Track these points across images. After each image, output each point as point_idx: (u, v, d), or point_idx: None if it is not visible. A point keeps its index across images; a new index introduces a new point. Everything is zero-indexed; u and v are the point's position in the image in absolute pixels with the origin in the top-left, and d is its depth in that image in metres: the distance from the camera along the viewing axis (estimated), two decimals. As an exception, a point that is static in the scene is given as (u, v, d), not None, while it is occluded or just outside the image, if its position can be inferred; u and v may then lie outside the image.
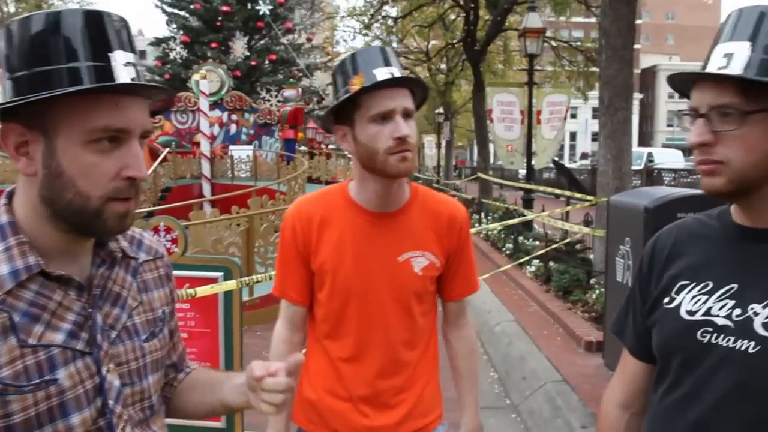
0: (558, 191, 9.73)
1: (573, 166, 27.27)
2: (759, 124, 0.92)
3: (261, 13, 23.52)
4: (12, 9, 32.32)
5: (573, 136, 58.71)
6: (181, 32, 25.15)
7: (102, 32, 0.84)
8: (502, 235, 9.50)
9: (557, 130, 10.15)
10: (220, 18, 24.17)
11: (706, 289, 1.03)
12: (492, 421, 4.03)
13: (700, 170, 1.00)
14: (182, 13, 25.89)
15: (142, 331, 0.99)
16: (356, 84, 1.39)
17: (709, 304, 1.02)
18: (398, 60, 1.49)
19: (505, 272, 7.60)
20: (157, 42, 26.01)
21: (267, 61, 25.47)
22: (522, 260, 7.60)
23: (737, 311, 0.98)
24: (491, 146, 14.85)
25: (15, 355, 0.82)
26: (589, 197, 7.37)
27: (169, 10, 26.09)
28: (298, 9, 28.26)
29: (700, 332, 1.01)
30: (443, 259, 1.57)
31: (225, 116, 19.53)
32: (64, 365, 0.86)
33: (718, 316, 1.00)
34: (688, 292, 1.05)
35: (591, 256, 6.80)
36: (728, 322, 0.98)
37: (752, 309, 0.96)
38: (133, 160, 0.87)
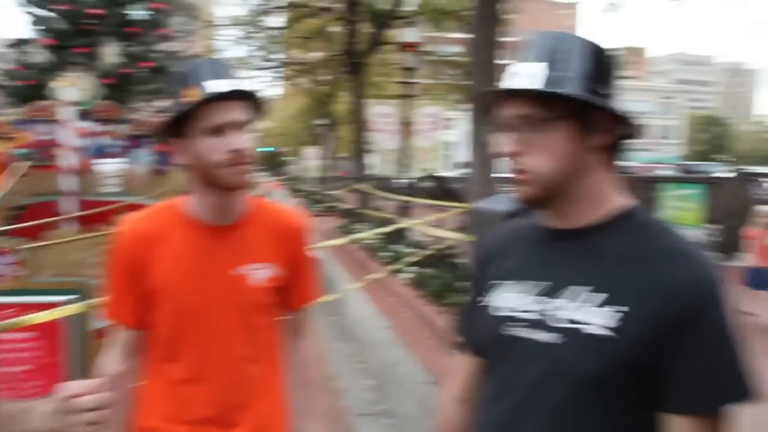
0: (430, 201, 10.08)
1: (450, 174, 28.26)
2: (555, 131, 1.04)
3: (134, 18, 22.26)
4: None
5: (451, 145, 60.99)
6: (47, 35, 23.25)
7: None
8: (380, 244, 9.74)
9: (431, 139, 10.55)
10: (89, 21, 22.61)
11: (519, 287, 1.13)
12: (367, 428, 4.11)
13: (515, 181, 1.10)
14: (47, 13, 23.93)
15: None
16: (189, 97, 1.38)
17: (518, 300, 1.11)
18: (234, 72, 1.47)
19: (381, 280, 7.77)
20: (17, 43, 23.90)
21: (142, 69, 24.16)
22: (397, 267, 7.81)
23: (543, 306, 1.07)
24: (373, 156, 15.11)
25: None
26: (461, 204, 7.75)
27: (32, 10, 24.00)
28: (175, 15, 27.11)
29: (507, 326, 1.10)
30: (284, 270, 1.57)
31: (94, 127, 18.30)
32: None
33: (526, 311, 1.09)
34: (501, 291, 1.15)
35: (465, 261, 7.14)
36: (535, 316, 1.07)
37: (556, 303, 1.06)
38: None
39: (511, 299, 1.13)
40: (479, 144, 6.41)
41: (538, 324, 1.07)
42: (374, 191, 14.47)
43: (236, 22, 18.75)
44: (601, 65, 1.07)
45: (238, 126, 1.40)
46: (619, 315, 1.00)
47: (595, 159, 1.08)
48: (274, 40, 20.06)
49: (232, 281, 1.50)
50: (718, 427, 0.99)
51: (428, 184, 22.11)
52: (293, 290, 1.64)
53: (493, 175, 6.49)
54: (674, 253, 1.02)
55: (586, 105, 1.03)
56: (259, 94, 1.52)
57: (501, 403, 1.11)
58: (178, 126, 1.42)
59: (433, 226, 8.27)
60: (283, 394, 1.64)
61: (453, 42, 21.96)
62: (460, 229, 7.01)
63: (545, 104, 1.03)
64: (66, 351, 2.36)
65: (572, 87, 1.03)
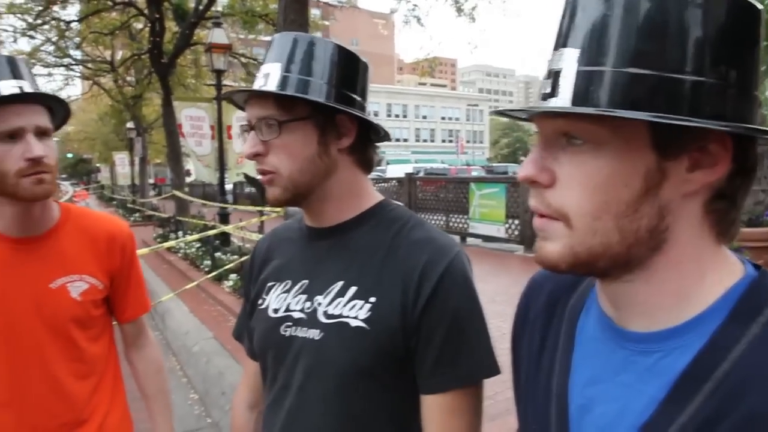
0: (250, 207, 9.88)
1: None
2: (294, 132, 1.05)
3: None
4: None
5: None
6: None
7: None
8: (200, 253, 9.34)
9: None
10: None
11: (287, 287, 1.14)
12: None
13: (262, 181, 1.11)
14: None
15: None
16: None
17: (288, 300, 1.13)
18: (31, 73, 1.35)
19: (203, 290, 7.46)
20: None
21: None
22: (218, 273, 7.56)
23: (307, 304, 1.10)
24: (189, 161, 14.41)
25: None
26: (277, 209, 7.70)
27: None
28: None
29: (282, 327, 1.11)
30: (106, 281, 1.50)
31: None
32: None
33: (294, 310, 1.11)
34: (274, 292, 1.16)
35: None
36: (302, 315, 1.10)
37: (317, 300, 1.09)
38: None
39: (281, 299, 1.14)
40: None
41: (303, 321, 1.09)
42: (191, 198, 13.84)
43: (15, 11, 16.60)
44: (346, 69, 1.09)
45: (35, 131, 1.30)
46: (368, 306, 1.04)
47: (342, 160, 1.10)
48: (66, 35, 18.18)
49: (45, 296, 1.40)
50: (464, 403, 1.04)
51: (252, 190, 21.79)
52: (123, 302, 1.59)
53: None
54: (416, 243, 1.07)
55: (327, 107, 1.05)
56: (56, 95, 1.42)
57: (279, 405, 1.12)
58: None
59: (253, 232, 8.13)
60: (123, 409, 1.58)
61: (264, 45, 21.84)
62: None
63: (285, 106, 1.04)
64: None
65: (314, 90, 1.05)
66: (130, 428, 1.59)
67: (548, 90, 0.61)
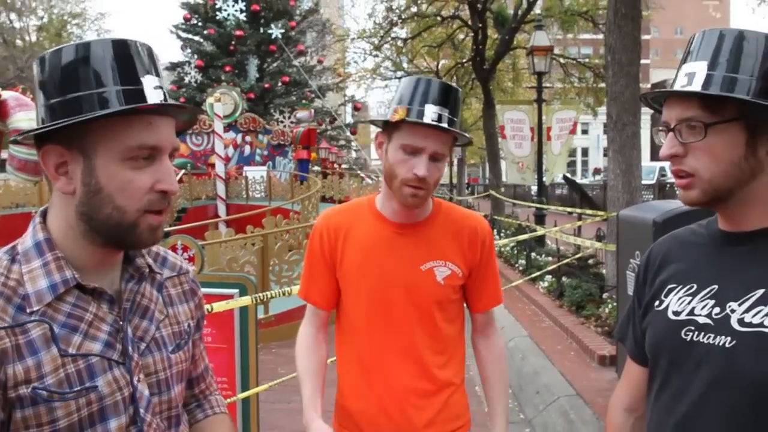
0: (569, 208, 9.70)
1: (585, 181, 27.16)
2: (720, 134, 1.00)
3: (273, 36, 23.94)
4: (34, 38, 33.11)
5: (585, 151, 58.59)
6: (196, 57, 25.60)
7: (131, 59, 0.90)
8: (515, 252, 9.52)
9: (564, 145, 10.18)
10: (233, 42, 24.59)
11: (691, 291, 1.08)
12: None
13: (677, 184, 1.07)
14: (196, 38, 26.36)
15: (169, 342, 1.02)
16: (399, 114, 1.46)
17: (692, 304, 1.07)
18: (456, 107, 1.52)
19: (518, 288, 7.59)
20: (172, 66, 26.51)
21: (280, 83, 25.81)
22: (534, 275, 7.61)
23: (716, 310, 1.03)
24: (503, 163, 14.90)
25: (57, 363, 0.87)
26: (599, 212, 7.39)
27: (184, 35, 26.57)
28: (309, 32, 28.67)
29: (684, 331, 1.06)
30: (466, 270, 1.61)
31: (239, 138, 19.76)
32: (102, 374, 0.90)
33: (700, 315, 1.05)
34: (675, 294, 1.11)
35: (603, 271, 6.79)
36: (708, 321, 1.03)
37: (729, 307, 1.02)
38: (165, 175, 0.92)
39: (683, 303, 1.09)
40: (619, 149, 6.06)
41: (710, 328, 1.03)
42: (506, 198, 14.22)
43: (365, 36, 19.39)
44: None
45: (431, 155, 1.48)
46: None
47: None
48: (401, 51, 20.49)
49: (416, 276, 1.56)
50: None
51: (563, 191, 21.45)
52: (479, 293, 1.69)
53: (636, 182, 6.10)
54: None
55: (757, 107, 0.97)
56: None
57: (673, 411, 1.07)
58: (389, 125, 1.51)
59: (570, 234, 7.95)
60: (463, 389, 1.69)
61: (583, 44, 21.12)
62: (600, 237, 6.65)
63: (711, 107, 0.99)
64: (234, 338, 2.54)
65: (743, 88, 0.98)
66: (468, 409, 1.69)
67: None
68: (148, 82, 0.90)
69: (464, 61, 19.19)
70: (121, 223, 0.91)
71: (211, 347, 2.54)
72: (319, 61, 28.56)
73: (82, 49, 0.88)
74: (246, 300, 2.45)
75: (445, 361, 1.61)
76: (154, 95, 0.90)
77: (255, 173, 17.86)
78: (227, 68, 24.36)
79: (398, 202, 1.53)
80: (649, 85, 54.84)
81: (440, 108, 1.46)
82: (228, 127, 18.74)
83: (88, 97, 0.87)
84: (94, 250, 0.94)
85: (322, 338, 1.69)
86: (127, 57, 0.90)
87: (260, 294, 2.58)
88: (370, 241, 1.59)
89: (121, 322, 0.95)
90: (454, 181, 29.03)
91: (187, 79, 24.77)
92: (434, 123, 1.45)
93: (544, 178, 10.14)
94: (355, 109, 30.81)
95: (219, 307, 2.31)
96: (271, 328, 5.96)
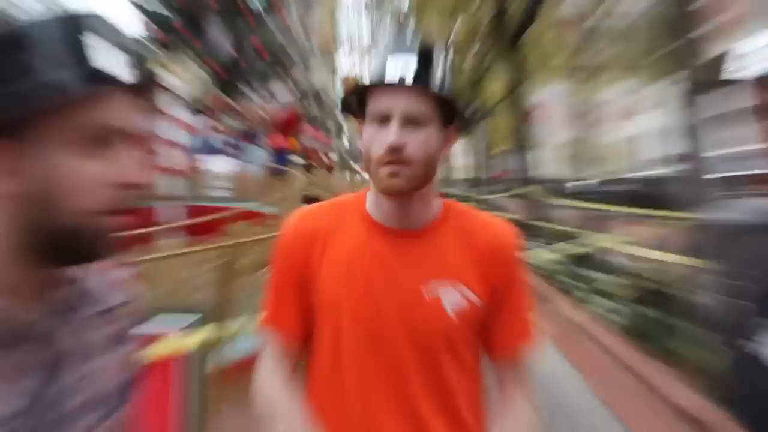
0: (636, 210, 9.27)
1: (655, 174, 26.06)
2: None
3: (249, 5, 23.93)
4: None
5: (648, 137, 58.73)
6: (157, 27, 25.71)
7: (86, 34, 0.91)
8: (563, 269, 9.18)
9: (622, 131, 9.98)
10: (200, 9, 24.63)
11: None
12: None
13: None
14: (162, 12, 26.56)
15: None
16: (348, 83, 1.33)
17: None
18: (432, 54, 1.39)
19: (571, 321, 7.29)
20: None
21: (256, 58, 25.84)
22: (598, 305, 7.25)
23: None
24: (539, 152, 14.78)
25: None
26: (679, 215, 6.92)
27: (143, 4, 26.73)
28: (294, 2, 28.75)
29: None
30: (485, 297, 1.45)
31: (201, 121, 19.63)
32: None
33: None
34: None
35: (703, 300, 6.35)
36: None
37: None
38: (131, 163, 0.94)
39: None
40: (699, 131, 5.84)
41: None
42: (549, 197, 13.96)
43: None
44: None
45: (402, 118, 1.38)
46: None
47: None
48: (401, 18, 20.57)
49: (415, 302, 1.43)
50: None
51: (620, 187, 21.25)
52: (497, 328, 1.51)
53: (724, 174, 5.88)
54: None
55: None
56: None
57: None
58: (361, 103, 1.44)
59: (644, 246, 7.56)
60: None
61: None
62: (684, 250, 6.23)
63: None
64: (176, 396, 2.32)
65: None
66: None
67: None
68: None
69: (487, 26, 19.10)
70: (74, 230, 0.91)
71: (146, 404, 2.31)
72: (304, 36, 28.53)
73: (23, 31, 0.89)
74: (194, 338, 2.22)
75: (457, 425, 1.45)
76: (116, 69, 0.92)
77: (219, 165, 17.73)
78: (191, 39, 24.36)
79: (381, 193, 1.42)
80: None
81: (407, 56, 1.36)
82: (187, 108, 18.64)
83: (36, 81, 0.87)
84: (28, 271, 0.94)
85: (296, 385, 1.51)
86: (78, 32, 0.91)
87: (213, 330, 2.36)
88: (355, 254, 1.46)
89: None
90: (481, 174, 28.59)
91: (145, 53, 24.77)
92: (392, 79, 1.34)
93: (591, 172, 9.92)
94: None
95: (154, 350, 2.10)
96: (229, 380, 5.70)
